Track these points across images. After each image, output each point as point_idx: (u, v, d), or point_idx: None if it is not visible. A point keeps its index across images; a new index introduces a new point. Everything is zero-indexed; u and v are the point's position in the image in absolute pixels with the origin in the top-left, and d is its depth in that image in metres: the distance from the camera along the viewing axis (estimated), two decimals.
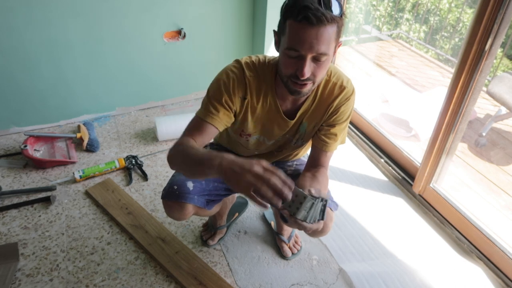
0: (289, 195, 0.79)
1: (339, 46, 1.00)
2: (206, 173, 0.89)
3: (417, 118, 2.48)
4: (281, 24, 0.96)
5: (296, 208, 0.91)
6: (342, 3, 0.95)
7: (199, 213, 1.29)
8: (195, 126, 1.10)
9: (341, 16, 0.92)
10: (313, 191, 0.93)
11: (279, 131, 1.20)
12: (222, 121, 1.10)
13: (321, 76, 0.99)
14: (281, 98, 1.13)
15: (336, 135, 1.17)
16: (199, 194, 1.22)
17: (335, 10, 0.90)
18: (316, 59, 0.94)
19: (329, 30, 0.90)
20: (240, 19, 2.38)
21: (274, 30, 1.03)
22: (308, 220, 0.93)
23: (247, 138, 1.23)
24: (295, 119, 1.16)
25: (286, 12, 0.93)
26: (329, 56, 0.95)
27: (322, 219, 0.95)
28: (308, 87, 1.00)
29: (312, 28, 0.88)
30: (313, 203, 0.91)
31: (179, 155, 1.02)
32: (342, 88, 1.12)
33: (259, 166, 0.79)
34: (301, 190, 0.91)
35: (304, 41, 0.90)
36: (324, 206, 0.94)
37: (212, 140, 1.47)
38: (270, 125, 1.18)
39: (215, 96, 1.09)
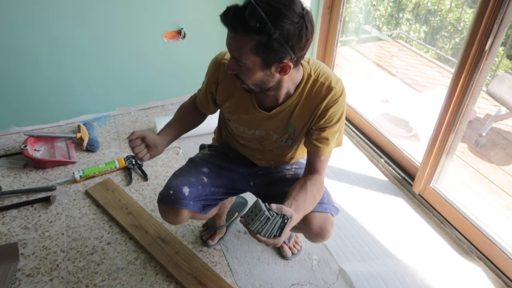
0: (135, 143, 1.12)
1: (283, 67, 0.97)
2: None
3: (417, 118, 2.48)
4: None
5: (251, 219, 0.95)
6: (280, 22, 0.88)
7: (195, 217, 1.29)
8: (193, 98, 1.37)
9: (259, 31, 0.88)
10: (274, 207, 0.96)
11: (256, 122, 1.19)
12: (205, 103, 1.28)
13: (248, 82, 1.02)
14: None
15: (327, 139, 1.15)
16: (194, 199, 1.21)
17: (251, 22, 0.87)
18: (237, 62, 0.98)
19: (241, 40, 0.92)
20: None
21: None
22: (263, 233, 0.95)
23: (229, 120, 1.26)
24: (272, 112, 1.14)
25: None
26: (247, 66, 0.96)
27: (279, 235, 0.96)
28: (244, 87, 1.06)
29: (229, 30, 0.94)
30: (268, 218, 0.93)
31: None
32: (330, 89, 1.09)
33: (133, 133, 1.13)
34: (261, 203, 0.94)
35: (227, 40, 0.97)
36: (284, 223, 0.95)
37: (211, 142, 1.48)
38: (246, 113, 1.18)
39: (205, 80, 1.25)
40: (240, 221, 1.00)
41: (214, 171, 1.32)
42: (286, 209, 0.97)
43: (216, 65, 1.17)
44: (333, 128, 1.14)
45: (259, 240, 0.95)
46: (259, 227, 0.95)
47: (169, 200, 1.19)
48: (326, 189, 1.25)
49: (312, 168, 1.19)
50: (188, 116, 1.34)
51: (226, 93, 1.18)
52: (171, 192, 1.20)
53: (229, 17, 0.91)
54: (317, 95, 1.11)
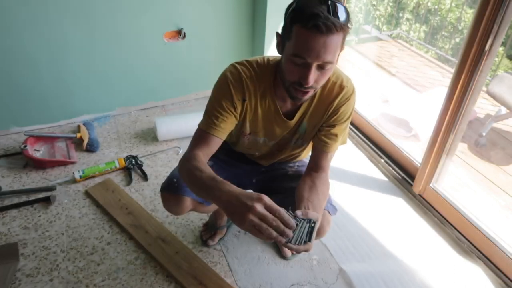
0: (290, 234, 0.82)
1: (341, 51, 1.00)
2: (210, 202, 0.89)
3: (417, 118, 2.48)
4: (287, 28, 0.94)
5: None
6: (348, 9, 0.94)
7: (198, 208, 1.28)
8: (200, 139, 1.09)
9: (347, 23, 0.91)
10: (299, 213, 0.92)
11: (280, 132, 1.19)
12: (225, 130, 1.10)
13: (322, 83, 1.00)
14: (281, 99, 1.12)
15: (336, 135, 1.16)
16: None
17: (342, 17, 0.88)
18: (321, 67, 0.94)
19: (336, 39, 0.89)
20: (240, 19, 2.38)
21: (277, 32, 1.02)
22: (293, 241, 0.91)
23: (248, 138, 1.23)
24: (294, 119, 1.15)
25: (293, 17, 0.90)
26: (334, 64, 0.95)
27: (309, 240, 0.93)
28: (309, 94, 1.01)
29: (321, 36, 0.87)
30: (296, 225, 0.90)
31: (186, 175, 1.01)
32: (341, 88, 1.11)
33: (261, 205, 0.79)
34: (285, 211, 0.90)
35: (312, 50, 0.89)
36: (312, 228, 0.93)
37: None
38: (270, 126, 1.17)
39: (217, 104, 1.08)
40: None
41: (218, 164, 1.31)
42: (311, 213, 0.95)
43: (239, 83, 1.08)
44: (343, 125, 1.16)
45: (291, 249, 0.91)
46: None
47: (172, 188, 1.19)
48: None
49: (318, 165, 1.18)
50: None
51: (253, 109, 1.13)
52: (175, 180, 1.20)
53: (321, 19, 0.85)
54: (329, 95, 1.12)
